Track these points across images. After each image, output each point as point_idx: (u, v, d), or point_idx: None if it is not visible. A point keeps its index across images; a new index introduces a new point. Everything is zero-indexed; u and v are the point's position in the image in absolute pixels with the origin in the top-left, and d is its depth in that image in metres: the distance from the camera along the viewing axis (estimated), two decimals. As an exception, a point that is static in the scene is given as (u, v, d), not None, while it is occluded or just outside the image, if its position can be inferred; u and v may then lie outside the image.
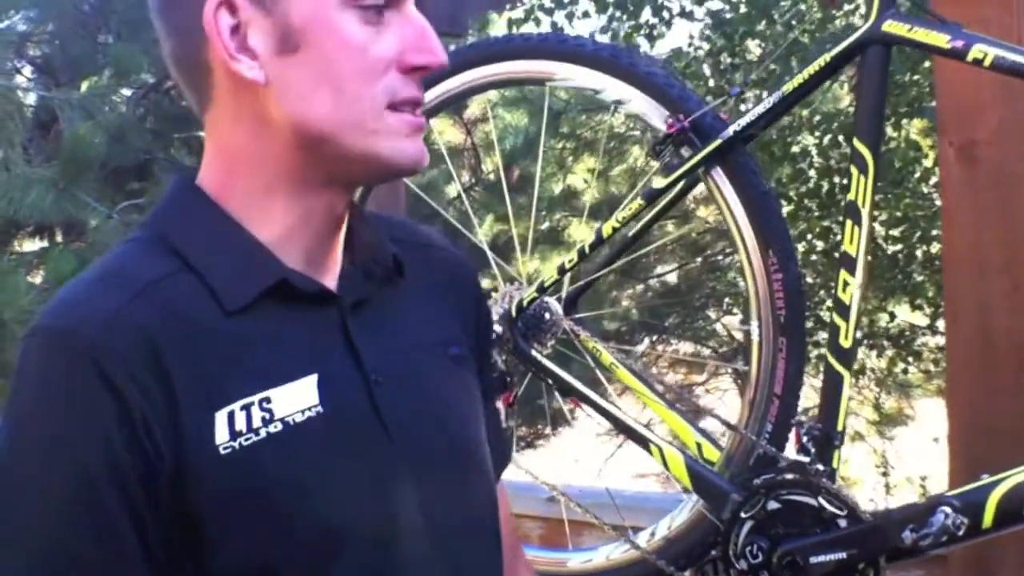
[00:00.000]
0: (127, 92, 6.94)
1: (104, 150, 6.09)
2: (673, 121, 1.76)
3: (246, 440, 0.97)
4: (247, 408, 0.98)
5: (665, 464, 1.85)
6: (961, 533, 1.54)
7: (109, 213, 6.36)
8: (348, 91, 1.02)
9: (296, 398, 1.01)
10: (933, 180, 6.91)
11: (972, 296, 2.03)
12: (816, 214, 7.30)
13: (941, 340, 7.77)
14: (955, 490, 1.61)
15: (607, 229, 1.86)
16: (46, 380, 0.96)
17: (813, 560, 1.64)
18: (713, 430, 2.27)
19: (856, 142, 1.67)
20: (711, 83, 7.43)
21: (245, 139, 1.05)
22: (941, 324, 7.41)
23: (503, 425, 1.52)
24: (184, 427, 0.95)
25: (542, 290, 1.93)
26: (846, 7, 6.53)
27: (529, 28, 7.31)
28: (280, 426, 0.99)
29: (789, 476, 1.69)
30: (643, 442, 1.89)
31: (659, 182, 1.80)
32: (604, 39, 7.85)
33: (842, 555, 1.63)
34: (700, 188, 1.88)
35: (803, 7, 7.04)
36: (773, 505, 1.69)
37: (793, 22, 6.92)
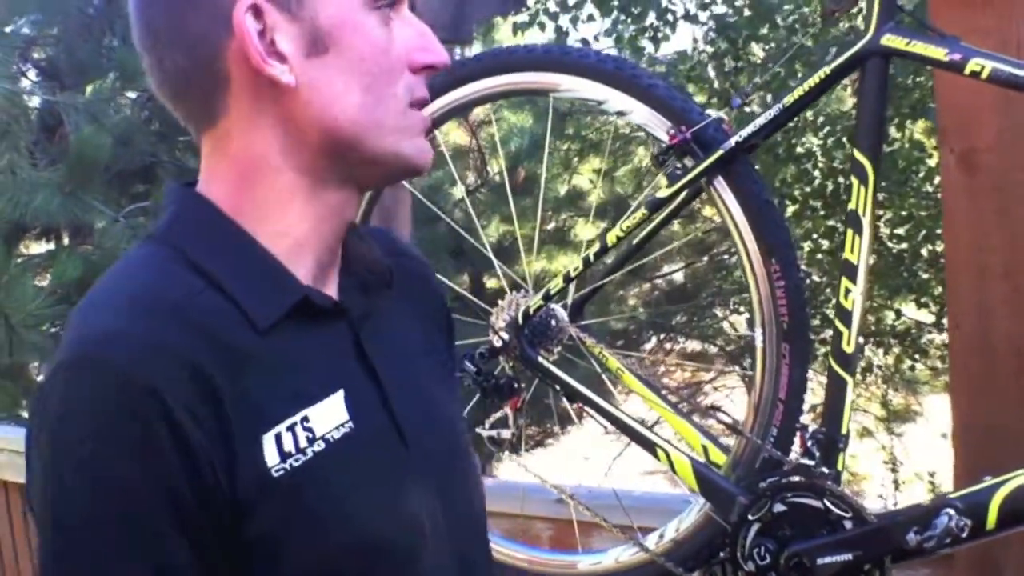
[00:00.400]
0: (132, 95, 6.96)
1: (110, 153, 6.11)
2: (675, 132, 1.79)
3: (296, 461, 0.97)
4: (292, 429, 0.98)
5: (673, 468, 1.88)
6: (965, 535, 1.56)
7: (115, 216, 6.38)
8: (376, 90, 1.04)
9: (330, 416, 1.01)
10: (937, 179, 6.92)
11: (973, 300, 2.05)
12: (821, 214, 7.32)
13: (947, 337, 7.76)
14: (959, 492, 1.63)
15: (611, 238, 1.89)
16: (99, 417, 0.91)
17: (820, 561, 1.66)
18: (718, 431, 2.30)
19: (856, 152, 1.70)
20: (715, 85, 7.45)
21: (263, 146, 1.04)
22: (947, 321, 7.38)
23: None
24: (237, 454, 0.94)
25: (548, 297, 1.96)
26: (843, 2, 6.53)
27: (534, 32, 7.33)
28: (323, 444, 0.99)
29: (795, 479, 1.71)
30: (650, 447, 1.91)
31: (662, 192, 1.83)
32: (608, 42, 7.87)
33: (848, 556, 1.65)
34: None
35: (806, 11, 7.05)
36: (779, 508, 1.71)
37: (796, 26, 6.94)
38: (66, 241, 7.19)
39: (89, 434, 0.91)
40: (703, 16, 7.53)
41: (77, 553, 0.91)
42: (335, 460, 1.00)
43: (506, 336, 1.98)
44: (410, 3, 1.12)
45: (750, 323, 1.85)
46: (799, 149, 7.26)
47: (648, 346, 9.87)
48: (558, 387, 1.97)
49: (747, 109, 6.79)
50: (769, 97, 6.26)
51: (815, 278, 7.83)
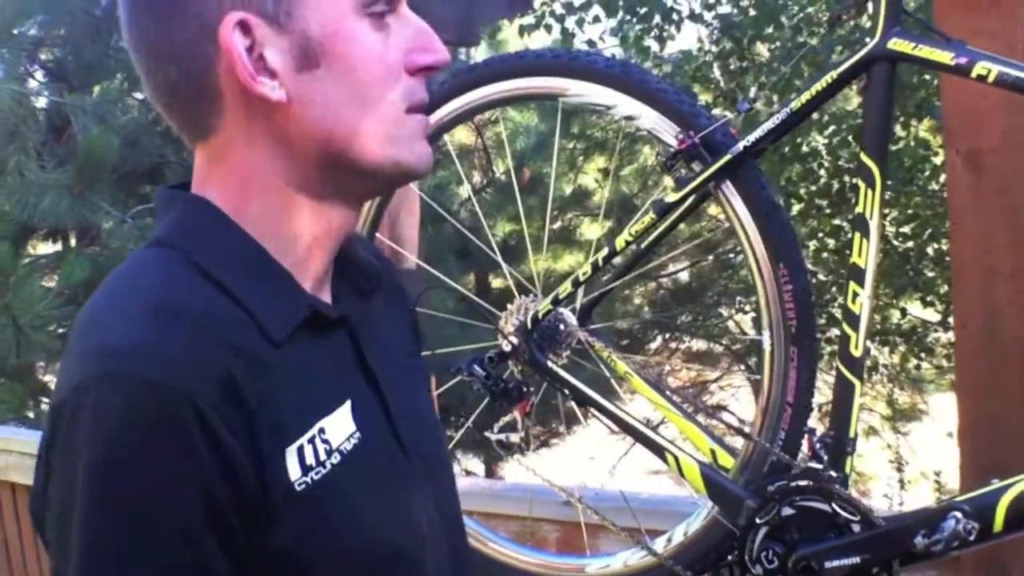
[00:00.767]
0: (140, 96, 6.98)
1: (117, 154, 6.13)
2: (683, 137, 1.79)
3: (316, 474, 0.96)
4: (312, 441, 0.97)
5: (681, 472, 1.88)
6: (972, 538, 1.57)
7: (123, 217, 6.40)
8: (372, 100, 1.01)
9: (341, 427, 1.01)
10: (943, 178, 6.92)
11: (980, 301, 2.05)
12: (826, 212, 7.32)
13: (953, 336, 7.77)
14: (966, 495, 1.63)
15: (620, 242, 1.89)
16: (139, 430, 0.88)
17: (828, 565, 1.67)
18: (722, 431, 2.31)
19: (863, 156, 1.70)
20: (721, 84, 7.45)
21: (261, 161, 1.02)
22: (953, 321, 7.38)
23: None
24: (265, 465, 0.93)
25: (557, 302, 1.96)
26: (850, 10, 6.55)
27: (540, 34, 7.33)
28: (339, 456, 0.99)
29: (803, 483, 1.71)
30: (659, 450, 1.91)
31: (670, 196, 1.83)
32: (614, 42, 7.87)
33: (856, 559, 1.66)
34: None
35: (811, 11, 7.06)
36: (788, 511, 1.72)
37: (801, 25, 6.94)
38: (73, 242, 7.21)
39: (130, 449, 0.88)
40: (708, 16, 7.53)
41: (115, 558, 0.89)
42: (349, 472, 0.99)
43: (515, 340, 1.98)
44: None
45: (757, 325, 1.85)
46: (804, 148, 7.26)
47: (653, 345, 9.88)
48: (567, 391, 1.98)
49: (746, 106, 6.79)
50: (776, 97, 6.27)
51: (820, 277, 7.83)
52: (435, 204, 2.82)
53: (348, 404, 1.03)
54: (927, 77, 6.16)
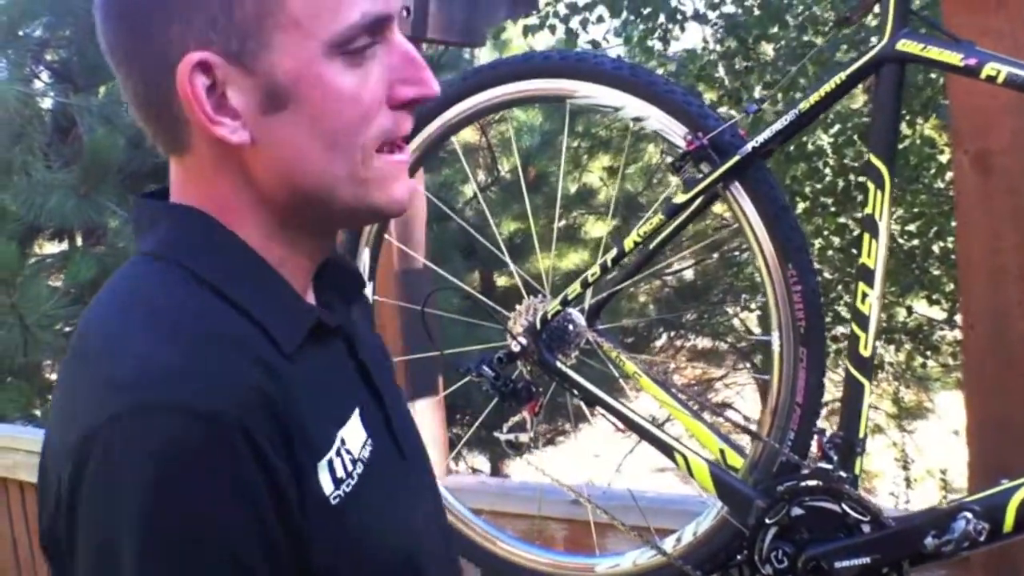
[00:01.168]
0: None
1: (123, 154, 6.13)
2: (692, 138, 1.80)
3: (347, 487, 0.94)
4: (339, 454, 0.94)
5: (690, 472, 1.89)
6: (983, 538, 1.57)
7: (128, 217, 6.40)
8: (341, 144, 0.95)
9: (356, 435, 0.99)
10: (948, 176, 6.92)
11: (988, 301, 2.05)
12: (832, 211, 7.31)
13: (959, 334, 7.78)
14: (976, 496, 1.64)
15: (628, 243, 1.90)
16: (190, 467, 0.83)
17: (838, 565, 1.67)
18: (728, 429, 2.31)
19: (872, 157, 1.70)
20: (726, 84, 7.44)
21: (230, 192, 0.98)
22: (959, 318, 7.42)
23: None
24: (304, 484, 0.90)
25: (565, 303, 1.97)
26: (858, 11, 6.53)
27: (544, 35, 7.32)
28: (361, 467, 0.97)
29: (812, 483, 1.72)
30: (668, 450, 1.92)
31: (679, 198, 1.84)
32: (618, 43, 7.87)
33: (866, 560, 1.66)
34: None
35: (816, 10, 7.05)
36: (797, 511, 1.72)
37: (806, 24, 6.93)
38: (79, 242, 7.21)
39: (184, 487, 0.83)
40: (712, 15, 7.53)
41: None
42: (371, 480, 0.98)
43: (524, 341, 1.99)
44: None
45: (766, 326, 1.86)
46: (810, 147, 7.25)
47: (659, 343, 9.88)
48: (576, 392, 1.98)
49: (743, 105, 6.80)
50: (780, 96, 6.26)
51: (825, 275, 7.83)
52: (442, 204, 2.82)
53: (357, 411, 1.01)
54: (933, 76, 6.15)
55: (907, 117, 6.48)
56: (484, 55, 7.82)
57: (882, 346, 8.20)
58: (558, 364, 2.00)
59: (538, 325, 1.98)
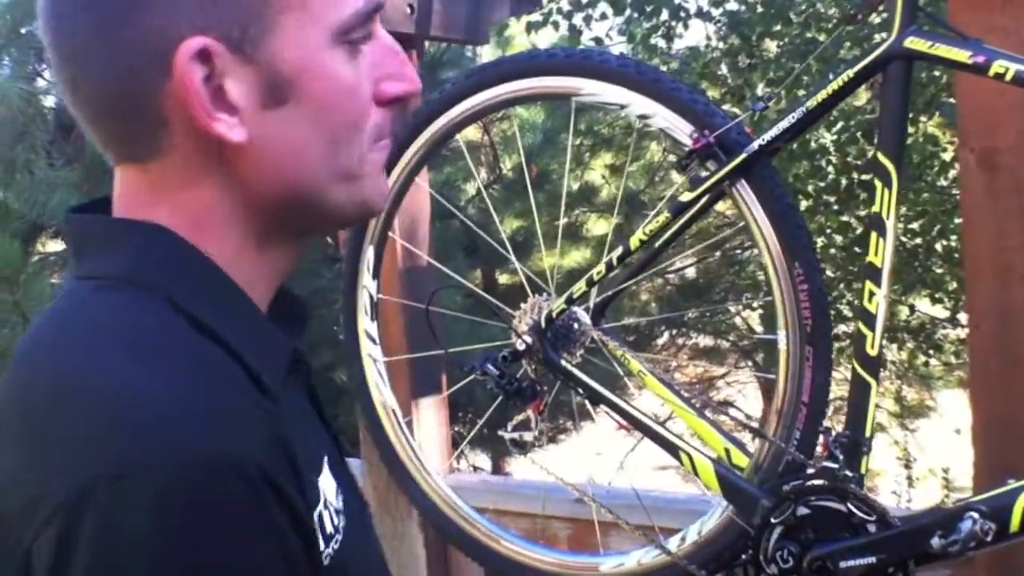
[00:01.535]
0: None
1: (126, 153, 6.13)
2: (698, 136, 1.79)
3: (336, 544, 0.85)
4: (326, 505, 0.85)
5: (695, 471, 1.88)
6: (989, 538, 1.57)
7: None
8: (343, 139, 0.88)
9: (330, 483, 0.90)
10: (951, 174, 6.92)
11: (994, 300, 2.04)
12: (834, 209, 7.31)
13: (962, 333, 7.79)
14: (982, 495, 1.63)
15: (634, 242, 1.89)
16: (219, 525, 0.71)
17: (843, 564, 1.67)
18: (729, 427, 2.30)
19: (879, 155, 1.70)
20: (729, 81, 7.44)
21: (210, 201, 0.87)
22: (961, 317, 7.43)
23: None
24: (309, 532, 0.80)
25: (571, 301, 1.96)
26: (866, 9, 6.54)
27: (547, 31, 7.32)
28: (342, 519, 0.88)
29: (818, 482, 1.71)
30: (672, 449, 1.91)
31: (685, 196, 1.83)
32: (621, 40, 7.86)
33: (871, 559, 1.66)
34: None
35: (819, 6, 7.04)
36: (803, 511, 1.71)
37: (810, 21, 6.93)
38: (81, 240, 7.20)
39: (214, 550, 0.71)
40: (716, 13, 7.52)
41: None
42: (350, 537, 0.88)
43: (529, 340, 1.98)
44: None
45: (772, 324, 1.85)
46: (812, 145, 7.25)
47: (660, 341, 9.87)
48: (581, 390, 1.98)
49: (746, 102, 6.81)
50: (783, 94, 6.26)
51: (828, 274, 7.82)
52: (446, 202, 2.81)
53: (326, 457, 0.91)
54: (936, 74, 6.15)
55: (910, 115, 6.47)
56: (486, 53, 7.82)
57: (885, 345, 8.21)
58: (563, 363, 1.99)
59: (543, 323, 1.98)
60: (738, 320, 10.22)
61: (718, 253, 9.19)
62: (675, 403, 2.01)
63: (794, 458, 1.79)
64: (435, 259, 2.86)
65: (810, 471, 1.74)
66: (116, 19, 0.82)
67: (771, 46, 7.43)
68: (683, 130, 1.82)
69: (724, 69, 7.56)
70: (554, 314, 1.97)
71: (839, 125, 7.08)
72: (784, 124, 1.75)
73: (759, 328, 9.51)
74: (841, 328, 7.32)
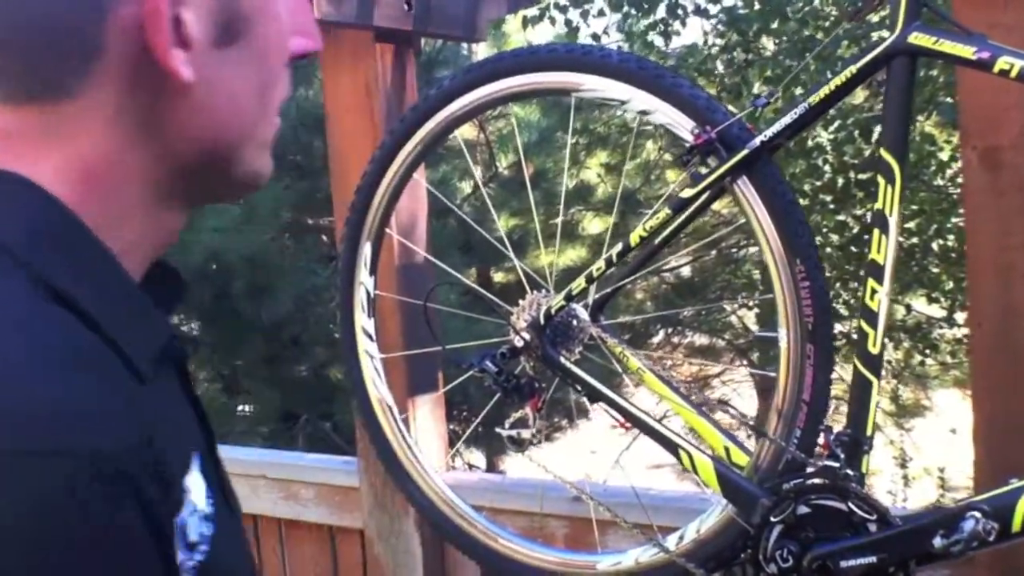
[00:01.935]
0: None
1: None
2: (700, 132, 1.78)
3: (200, 554, 0.71)
4: (193, 512, 0.71)
5: (695, 469, 1.87)
6: (992, 538, 1.56)
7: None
8: (268, 93, 0.80)
9: (198, 487, 0.74)
10: (948, 173, 6.91)
11: (996, 299, 2.03)
12: (831, 208, 7.31)
13: (958, 332, 7.79)
14: (984, 495, 1.62)
15: (634, 238, 1.88)
16: (85, 525, 0.61)
17: (843, 564, 1.66)
18: (727, 424, 2.29)
19: (883, 152, 1.68)
20: (725, 79, 7.44)
21: (111, 153, 0.74)
22: (958, 316, 7.44)
23: None
24: (165, 542, 0.68)
25: (570, 298, 1.95)
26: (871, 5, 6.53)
27: (544, 26, 7.32)
28: (212, 527, 0.73)
29: (819, 481, 1.70)
30: (672, 447, 1.90)
31: (686, 192, 1.82)
32: (619, 37, 7.86)
33: (872, 559, 1.64)
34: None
35: (817, 3, 7.04)
36: (803, 510, 1.70)
37: (808, 19, 6.93)
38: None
39: (79, 553, 0.62)
40: (713, 9, 7.52)
41: None
42: (217, 547, 0.74)
43: (528, 336, 1.97)
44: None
45: (763, 322, 1.84)
46: (809, 143, 7.24)
47: (656, 339, 9.88)
48: (579, 387, 1.97)
49: (743, 99, 6.80)
50: (780, 91, 6.25)
51: (825, 273, 7.83)
52: (445, 199, 2.80)
53: (197, 456, 0.76)
54: (933, 72, 6.15)
55: (908, 114, 6.47)
56: (482, 50, 7.81)
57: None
58: (562, 359, 1.98)
59: (542, 320, 1.97)
60: (733, 319, 10.22)
61: (714, 252, 9.19)
62: (674, 401, 2.00)
63: (794, 457, 1.78)
64: (433, 256, 2.85)
65: (810, 470, 1.73)
66: None
67: (768, 44, 7.43)
68: (684, 126, 1.81)
69: (720, 67, 7.56)
70: (553, 310, 1.96)
71: (836, 124, 7.07)
72: (786, 120, 1.74)
73: (754, 327, 9.52)
74: (837, 327, 7.32)
